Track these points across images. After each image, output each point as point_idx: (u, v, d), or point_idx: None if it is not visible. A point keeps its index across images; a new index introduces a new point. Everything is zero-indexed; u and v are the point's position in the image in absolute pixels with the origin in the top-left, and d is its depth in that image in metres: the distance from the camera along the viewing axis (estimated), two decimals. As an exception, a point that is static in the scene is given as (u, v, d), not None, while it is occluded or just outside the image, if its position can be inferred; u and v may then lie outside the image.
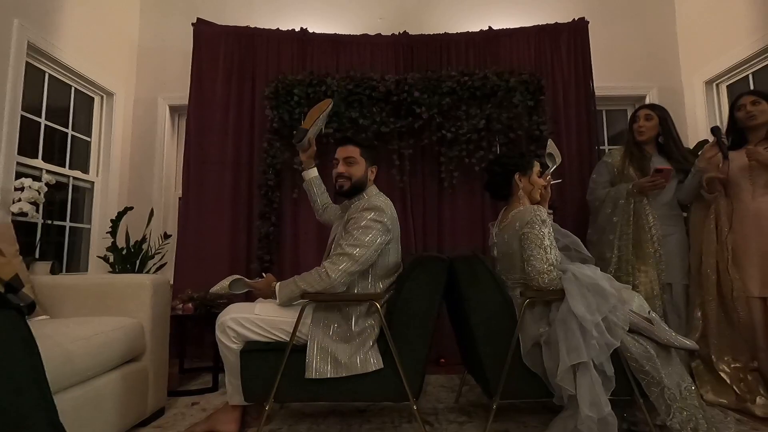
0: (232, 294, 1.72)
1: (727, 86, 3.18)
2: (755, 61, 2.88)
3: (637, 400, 1.51)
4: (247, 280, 1.74)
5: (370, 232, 1.62)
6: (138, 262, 2.66)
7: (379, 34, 3.20)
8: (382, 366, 1.54)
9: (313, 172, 2.13)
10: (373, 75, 2.89)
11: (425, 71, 2.93)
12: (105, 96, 3.21)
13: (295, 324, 1.56)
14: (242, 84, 3.12)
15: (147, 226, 2.85)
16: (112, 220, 2.65)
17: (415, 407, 1.55)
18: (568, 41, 3.15)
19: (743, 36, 2.88)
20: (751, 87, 2.93)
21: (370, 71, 2.95)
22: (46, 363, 1.05)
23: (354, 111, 2.83)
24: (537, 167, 1.85)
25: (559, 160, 2.33)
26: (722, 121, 3.16)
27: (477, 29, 3.20)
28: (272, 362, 1.54)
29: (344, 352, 1.56)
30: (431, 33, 3.20)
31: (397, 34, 3.18)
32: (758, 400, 1.97)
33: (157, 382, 1.87)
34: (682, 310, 2.29)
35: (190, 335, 2.68)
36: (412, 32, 3.18)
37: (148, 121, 3.40)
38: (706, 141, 2.91)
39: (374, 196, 1.77)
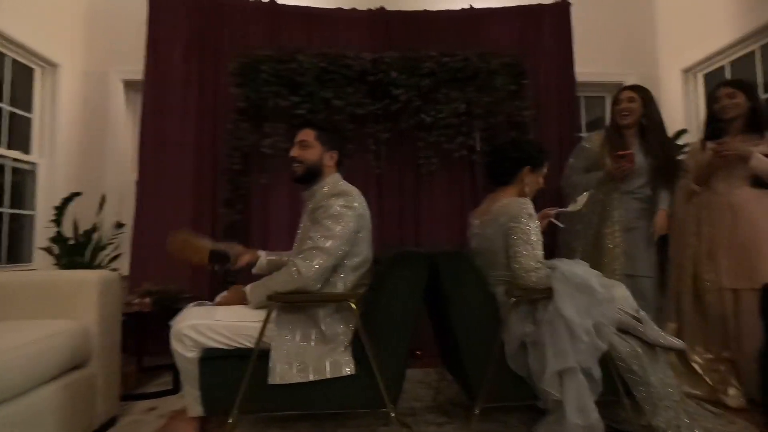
0: None
1: (704, 75, 3.17)
2: (732, 50, 2.86)
3: (623, 400, 1.46)
4: (209, 303, 1.62)
5: (341, 220, 1.50)
6: (88, 253, 2.41)
7: (355, 8, 3.00)
8: (355, 372, 1.42)
9: (262, 260, 1.81)
10: (348, 52, 2.70)
11: (403, 50, 2.76)
12: (48, 67, 2.88)
13: (261, 328, 1.41)
14: (205, 58, 2.86)
15: (98, 214, 2.60)
16: (56, 207, 2.38)
17: (393, 414, 1.45)
18: (551, 23, 3.05)
19: (722, 24, 2.85)
20: (728, 76, 2.92)
21: (344, 48, 2.76)
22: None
23: (327, 91, 2.64)
24: (546, 168, 1.76)
25: (576, 208, 1.95)
26: (698, 110, 3.16)
27: (458, 7, 3.05)
28: (235, 370, 1.39)
29: (312, 355, 1.43)
30: (409, 10, 3.02)
31: (374, 9, 2.99)
32: (730, 391, 1.98)
33: (107, 389, 1.69)
34: (648, 304, 2.26)
35: (148, 331, 2.48)
36: (389, 8, 2.99)
37: (100, 96, 3.09)
38: (684, 131, 2.91)
39: (339, 181, 1.65)
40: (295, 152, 1.67)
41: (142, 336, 2.43)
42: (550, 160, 1.82)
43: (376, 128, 2.74)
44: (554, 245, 2.38)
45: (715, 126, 2.16)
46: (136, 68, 2.90)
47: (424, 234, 2.81)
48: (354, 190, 1.60)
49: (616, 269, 2.18)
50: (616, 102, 2.33)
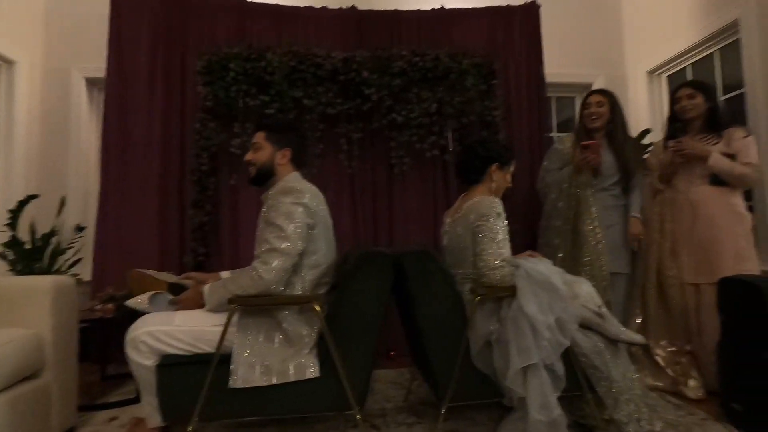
0: (154, 311, 1.51)
1: (667, 76, 3.27)
2: (694, 53, 2.96)
3: (586, 395, 1.48)
4: (170, 295, 1.56)
5: (294, 218, 1.46)
6: (46, 258, 2.31)
7: (325, 7, 2.97)
8: (319, 375, 1.40)
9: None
10: (319, 51, 2.66)
11: (374, 50, 2.75)
12: (3, 64, 2.75)
13: (222, 331, 1.38)
14: (170, 56, 2.78)
15: (57, 217, 2.49)
16: (11, 211, 2.27)
17: (359, 416, 1.44)
18: (521, 24, 3.08)
19: (684, 28, 2.94)
20: (689, 78, 3.01)
21: (314, 47, 2.72)
22: None
23: (297, 90, 2.61)
24: (513, 166, 1.78)
25: None
26: (663, 109, 3.26)
27: (428, 8, 3.05)
28: (195, 376, 1.35)
29: (275, 358, 1.40)
30: (381, 9, 3.01)
31: (344, 8, 2.96)
32: (690, 382, 2.05)
33: (63, 399, 1.62)
34: (622, 300, 2.31)
35: (112, 339, 2.39)
36: (360, 7, 2.97)
37: (61, 95, 2.98)
38: (648, 130, 2.99)
39: (292, 180, 1.62)
40: (248, 156, 1.66)
41: (106, 343, 2.34)
42: (517, 159, 1.86)
43: (348, 128, 2.72)
44: (535, 244, 2.42)
45: (675, 125, 2.23)
46: (99, 65, 2.80)
47: (398, 233, 2.80)
48: (306, 187, 1.56)
49: (603, 265, 2.18)
50: (585, 106, 2.38)
